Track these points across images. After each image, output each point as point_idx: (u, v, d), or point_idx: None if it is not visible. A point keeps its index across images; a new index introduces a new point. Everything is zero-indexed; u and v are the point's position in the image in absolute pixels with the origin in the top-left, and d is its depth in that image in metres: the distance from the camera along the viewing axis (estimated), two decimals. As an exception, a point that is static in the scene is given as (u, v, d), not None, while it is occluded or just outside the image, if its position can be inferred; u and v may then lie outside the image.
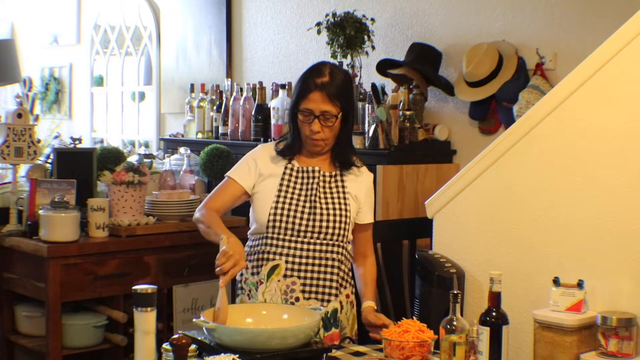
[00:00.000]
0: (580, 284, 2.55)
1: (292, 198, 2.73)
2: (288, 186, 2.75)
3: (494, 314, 2.32)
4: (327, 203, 2.75)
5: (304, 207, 2.73)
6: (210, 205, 2.80)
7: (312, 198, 2.74)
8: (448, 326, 2.27)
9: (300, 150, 2.80)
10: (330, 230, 2.73)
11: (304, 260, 2.73)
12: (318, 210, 2.73)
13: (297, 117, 2.74)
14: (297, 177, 2.77)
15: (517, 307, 2.75)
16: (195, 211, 2.83)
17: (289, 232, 2.72)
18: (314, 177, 2.76)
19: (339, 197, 2.77)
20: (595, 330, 2.49)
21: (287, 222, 2.71)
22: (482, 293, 2.89)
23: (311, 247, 2.73)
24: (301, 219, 2.72)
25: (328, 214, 2.73)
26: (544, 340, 2.53)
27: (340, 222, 2.75)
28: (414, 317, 2.57)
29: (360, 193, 2.83)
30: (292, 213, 2.72)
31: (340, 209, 2.76)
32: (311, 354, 2.33)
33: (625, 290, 2.54)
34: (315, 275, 2.73)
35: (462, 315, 2.34)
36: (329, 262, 2.75)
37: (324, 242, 2.74)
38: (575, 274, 2.60)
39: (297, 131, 2.77)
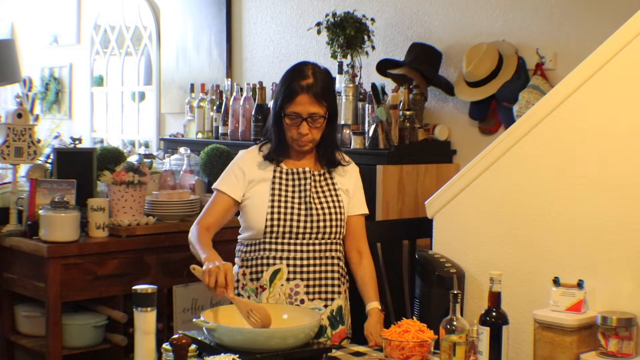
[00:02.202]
0: (580, 284, 2.55)
1: (286, 201, 2.72)
2: (280, 189, 2.73)
3: (494, 314, 2.32)
4: (321, 202, 2.74)
5: (299, 209, 2.72)
6: (203, 223, 2.74)
7: (307, 199, 2.73)
8: (448, 326, 2.27)
9: (286, 152, 2.78)
10: (327, 230, 2.73)
11: (305, 262, 2.72)
12: (314, 211, 2.72)
13: (282, 121, 2.71)
14: (287, 180, 2.75)
15: (517, 307, 2.75)
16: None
17: (287, 235, 2.71)
18: (305, 178, 2.76)
19: (331, 195, 2.77)
20: (595, 330, 2.49)
21: (284, 227, 2.70)
22: (482, 293, 2.88)
23: (310, 247, 2.73)
24: (298, 221, 2.71)
25: (324, 214, 2.73)
26: (544, 340, 2.53)
27: (337, 219, 2.75)
28: (414, 317, 2.57)
29: (350, 186, 2.83)
30: (289, 217, 2.70)
31: (335, 207, 2.76)
32: (311, 354, 2.34)
33: (625, 290, 2.54)
34: (317, 275, 2.73)
35: (462, 315, 2.34)
36: (329, 261, 2.75)
37: (322, 241, 2.74)
38: (575, 274, 2.60)
39: (281, 134, 2.73)
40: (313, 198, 2.74)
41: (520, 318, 2.74)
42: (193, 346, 2.10)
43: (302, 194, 2.74)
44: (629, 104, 2.57)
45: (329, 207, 2.75)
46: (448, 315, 2.29)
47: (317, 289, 2.73)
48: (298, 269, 2.72)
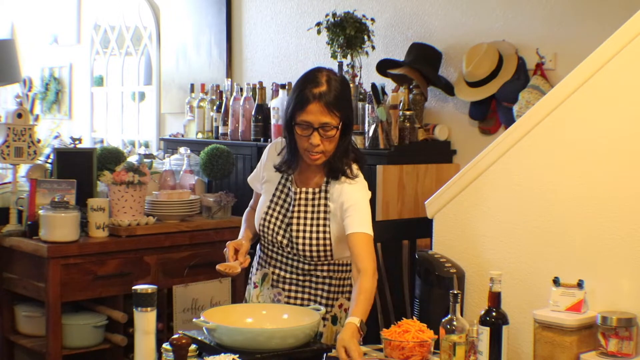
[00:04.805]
0: (580, 284, 2.55)
1: (279, 212, 2.69)
2: (279, 198, 2.71)
3: (494, 314, 2.32)
4: (305, 226, 2.64)
5: (280, 227, 2.68)
6: (252, 204, 2.89)
7: (289, 221, 2.66)
8: (448, 326, 2.27)
9: (297, 165, 2.67)
10: (308, 254, 2.65)
11: (288, 275, 2.71)
12: (294, 233, 2.65)
13: (293, 130, 2.58)
14: (287, 195, 2.70)
15: (517, 307, 2.75)
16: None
17: (274, 246, 2.72)
18: (295, 199, 2.66)
19: (318, 218, 2.64)
20: (595, 330, 2.49)
21: (271, 236, 2.70)
22: (482, 293, 2.88)
23: (294, 263, 2.70)
24: (283, 237, 2.68)
25: (304, 237, 2.63)
26: (544, 340, 2.53)
27: (317, 244, 2.63)
28: (414, 317, 2.57)
29: (346, 203, 2.60)
30: (275, 228, 2.68)
31: (318, 231, 2.63)
32: (311, 354, 2.34)
33: (625, 290, 2.54)
34: (300, 289, 2.71)
35: (462, 315, 2.35)
36: (313, 279, 2.70)
37: (306, 261, 2.68)
38: (575, 274, 2.60)
39: (294, 143, 2.61)
40: (299, 219, 2.65)
41: (520, 318, 2.73)
42: (193, 346, 2.11)
43: (288, 214, 2.67)
44: (629, 103, 2.57)
45: (310, 232, 2.63)
46: (448, 315, 2.29)
47: (298, 302, 2.69)
48: (281, 279, 2.72)
